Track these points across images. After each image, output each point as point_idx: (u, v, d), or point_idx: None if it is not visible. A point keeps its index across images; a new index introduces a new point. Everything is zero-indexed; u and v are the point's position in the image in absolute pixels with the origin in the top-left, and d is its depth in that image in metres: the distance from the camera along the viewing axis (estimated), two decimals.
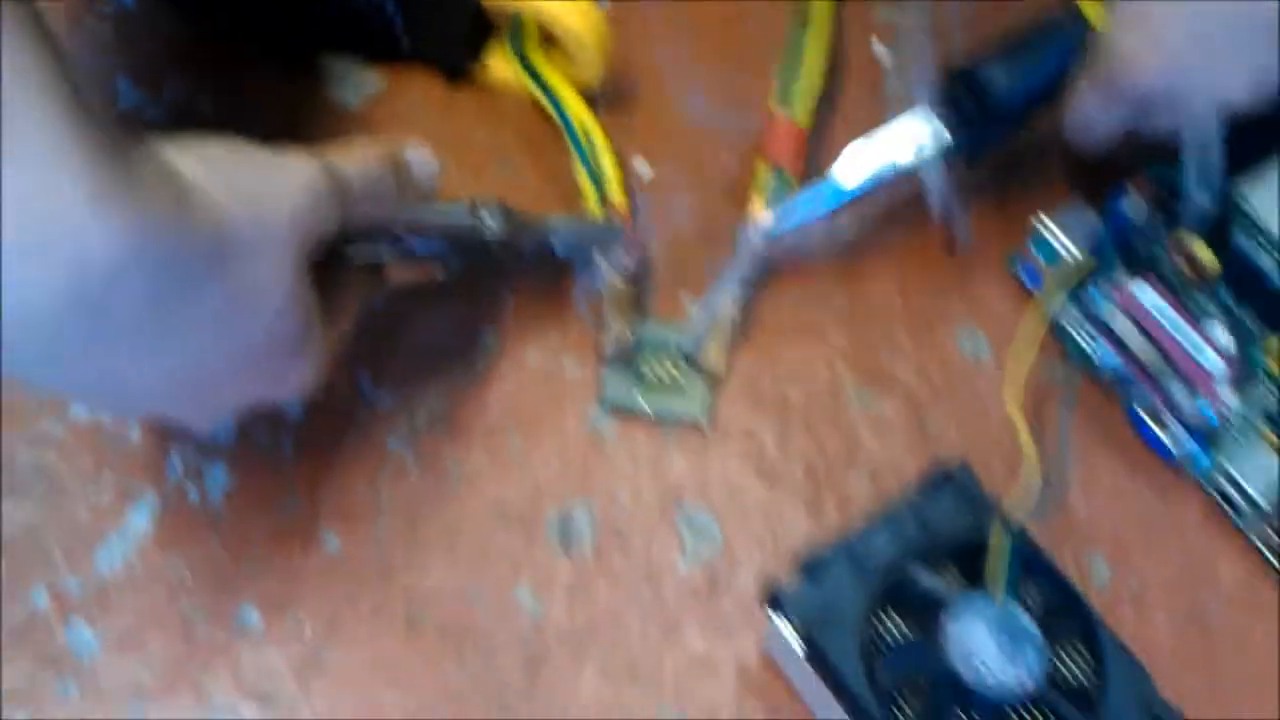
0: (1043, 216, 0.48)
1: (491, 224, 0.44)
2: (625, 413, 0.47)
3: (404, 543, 0.45)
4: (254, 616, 0.44)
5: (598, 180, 0.49)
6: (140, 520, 0.45)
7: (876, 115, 0.50)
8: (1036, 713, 0.39)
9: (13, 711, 0.42)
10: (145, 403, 0.38)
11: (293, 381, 0.40)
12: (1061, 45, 0.46)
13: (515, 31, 0.51)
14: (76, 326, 0.32)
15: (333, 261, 0.40)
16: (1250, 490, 0.45)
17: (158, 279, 0.33)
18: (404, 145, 0.42)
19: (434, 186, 0.43)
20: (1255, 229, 0.48)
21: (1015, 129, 0.48)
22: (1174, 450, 0.46)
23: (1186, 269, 0.49)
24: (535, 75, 0.51)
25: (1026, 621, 0.39)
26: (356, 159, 0.40)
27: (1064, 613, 0.41)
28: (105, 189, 0.31)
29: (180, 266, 0.33)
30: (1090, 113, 0.46)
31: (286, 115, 0.52)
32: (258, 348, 0.37)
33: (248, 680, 0.43)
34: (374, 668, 0.44)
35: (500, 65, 0.52)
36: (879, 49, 0.55)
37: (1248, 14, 0.42)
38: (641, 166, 0.52)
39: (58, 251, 0.31)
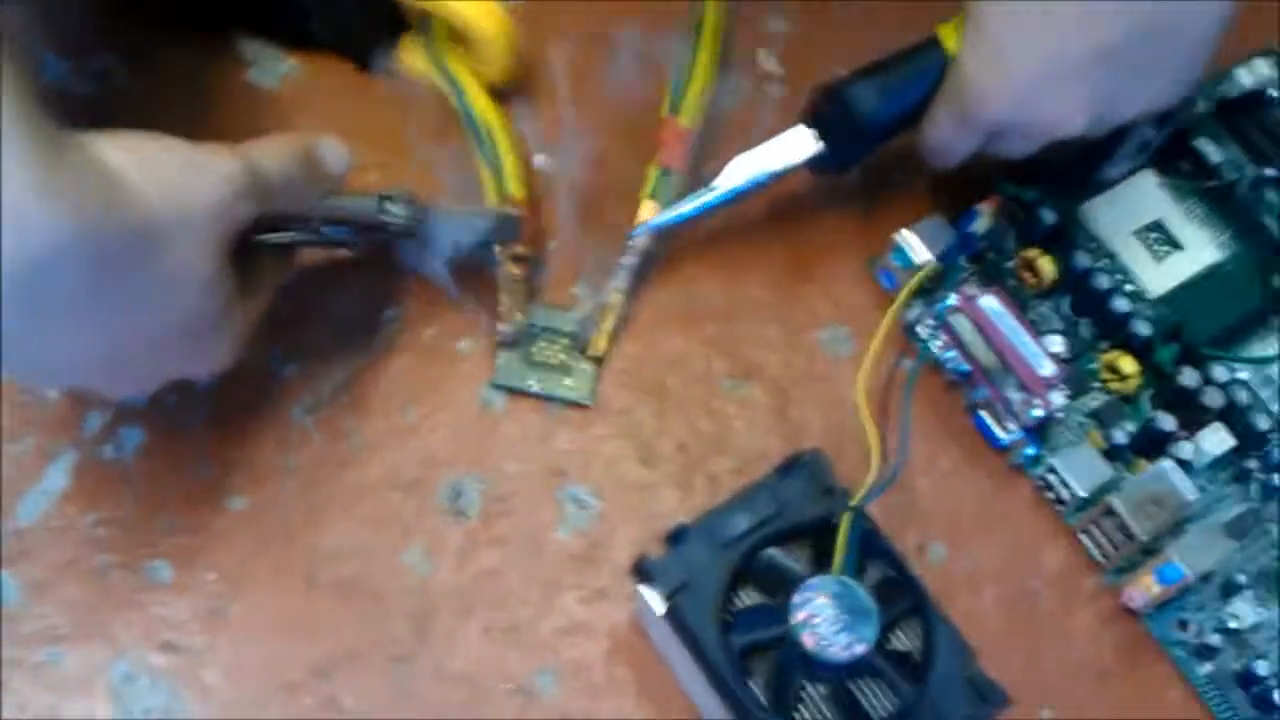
0: (903, 231, 0.52)
1: (397, 215, 0.48)
2: (515, 391, 0.51)
3: (305, 505, 0.49)
4: (164, 570, 0.48)
5: (497, 173, 0.53)
6: (58, 476, 0.48)
7: (758, 115, 0.55)
8: (870, 678, 0.44)
9: None
10: (72, 376, 0.42)
11: (212, 358, 0.43)
12: (925, 70, 0.50)
13: (426, 27, 0.54)
14: (14, 308, 0.35)
15: (248, 245, 0.44)
16: (1072, 484, 0.51)
17: (90, 265, 0.36)
18: (318, 139, 0.46)
19: (345, 178, 0.47)
20: (1096, 249, 0.53)
21: (881, 143, 0.52)
22: (1006, 443, 0.51)
23: (1031, 281, 0.54)
24: (443, 70, 0.54)
25: (863, 596, 0.44)
26: (274, 153, 0.43)
27: (898, 589, 0.46)
28: (46, 179, 0.34)
29: (110, 253, 0.36)
30: (944, 136, 0.50)
31: (205, 94, 0.55)
32: (180, 328, 0.41)
33: (157, 630, 0.47)
34: (276, 621, 0.47)
35: (411, 56, 0.55)
36: (763, 56, 0.59)
37: (1090, 55, 0.46)
38: (542, 160, 0.55)
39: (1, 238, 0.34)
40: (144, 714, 0.46)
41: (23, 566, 0.47)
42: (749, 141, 0.52)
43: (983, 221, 0.53)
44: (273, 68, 0.56)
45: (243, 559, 0.48)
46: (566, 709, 0.47)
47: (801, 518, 0.46)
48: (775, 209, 0.55)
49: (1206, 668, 0.49)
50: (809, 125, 0.51)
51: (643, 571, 0.45)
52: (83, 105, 0.55)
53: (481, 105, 0.53)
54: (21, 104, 0.34)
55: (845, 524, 0.45)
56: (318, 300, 0.52)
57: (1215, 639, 0.49)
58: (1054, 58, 0.46)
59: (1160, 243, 0.55)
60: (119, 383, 0.43)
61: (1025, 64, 0.47)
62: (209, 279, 0.40)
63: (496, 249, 0.52)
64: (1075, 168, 0.54)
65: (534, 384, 0.51)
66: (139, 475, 0.49)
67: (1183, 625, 0.50)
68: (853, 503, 0.45)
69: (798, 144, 0.51)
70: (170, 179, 0.39)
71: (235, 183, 0.40)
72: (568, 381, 0.52)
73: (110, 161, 0.37)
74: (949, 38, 0.50)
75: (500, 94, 0.55)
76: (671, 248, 0.54)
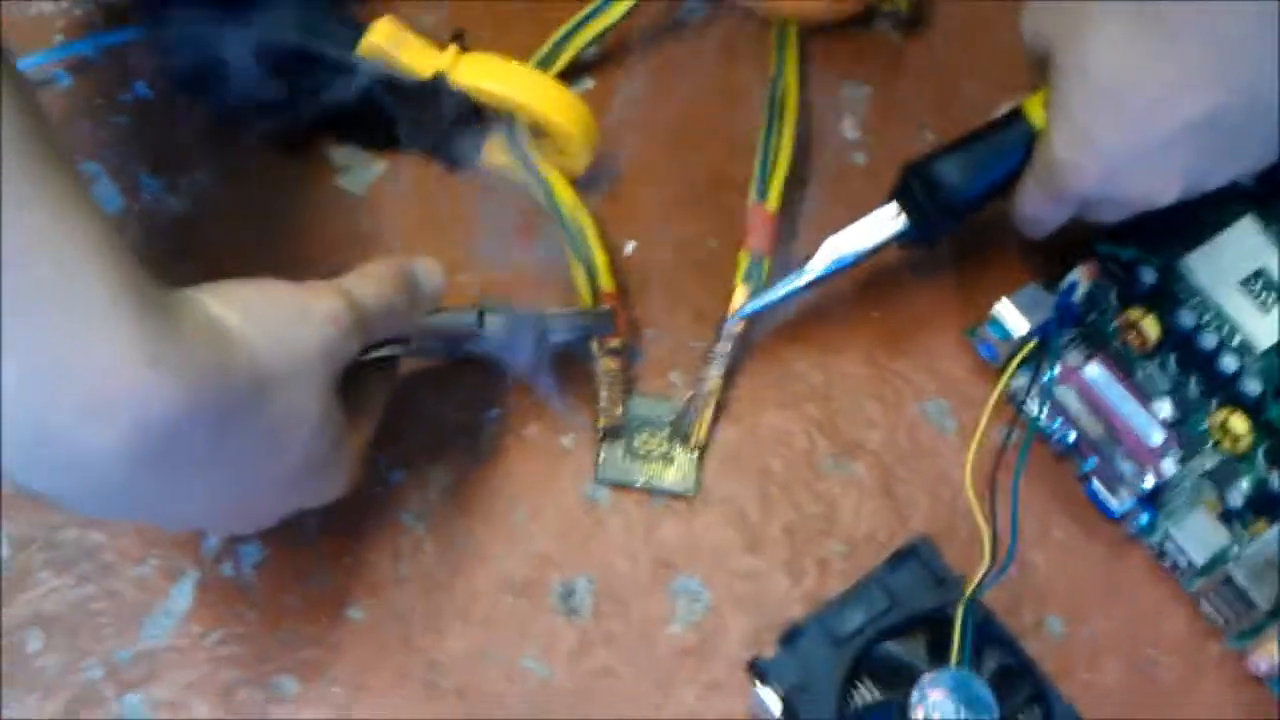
0: (1001, 301, 0.51)
1: (496, 326, 0.48)
2: (619, 485, 0.52)
3: (421, 612, 0.50)
4: (290, 684, 0.49)
5: (589, 268, 0.53)
6: (182, 596, 0.50)
7: (843, 187, 0.55)
8: None
9: None
10: (193, 522, 0.43)
11: (328, 490, 0.44)
12: (1012, 144, 0.50)
13: (510, 125, 0.54)
14: (136, 476, 0.36)
15: (351, 371, 0.44)
16: (1189, 551, 0.50)
17: (206, 426, 0.37)
18: (414, 263, 0.46)
19: (441, 297, 0.47)
20: (1200, 305, 0.53)
21: (969, 217, 0.52)
22: (1119, 513, 0.51)
23: (1135, 342, 0.53)
24: (529, 167, 0.54)
25: (982, 689, 0.43)
26: (373, 284, 0.44)
27: (1017, 677, 0.45)
28: (160, 354, 0.35)
29: (225, 411, 0.37)
30: (1035, 210, 0.50)
31: (296, 202, 0.56)
32: (296, 467, 0.41)
33: None
34: None
35: (497, 154, 0.56)
36: (846, 125, 0.58)
37: (1179, 129, 0.46)
38: (629, 246, 0.56)
39: (120, 415, 0.34)
40: None
41: (150, 688, 0.48)
42: (835, 210, 0.53)
43: (1081, 289, 0.52)
44: (361, 173, 0.57)
45: (364, 669, 0.49)
46: None
47: (915, 610, 0.46)
48: (867, 282, 0.55)
49: None
50: (898, 201, 0.51)
51: (758, 671, 0.45)
52: (177, 221, 0.56)
53: (569, 201, 0.54)
54: (127, 277, 0.35)
55: (960, 616, 0.45)
56: (419, 405, 0.52)
57: None
58: (1142, 134, 0.46)
59: (1265, 291, 0.53)
60: (238, 522, 0.44)
61: (1113, 141, 0.46)
62: (321, 417, 0.41)
63: (593, 345, 0.52)
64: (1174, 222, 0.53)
65: (638, 478, 0.52)
66: (259, 591, 0.50)
67: None
68: (966, 594, 0.45)
69: (887, 222, 0.51)
70: (277, 328, 0.39)
71: (340, 323, 0.41)
72: (670, 472, 0.52)
73: (217, 318, 0.38)
74: (1034, 111, 0.49)
75: (578, 181, 0.56)
76: (764, 328, 0.54)
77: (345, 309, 0.41)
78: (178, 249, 0.55)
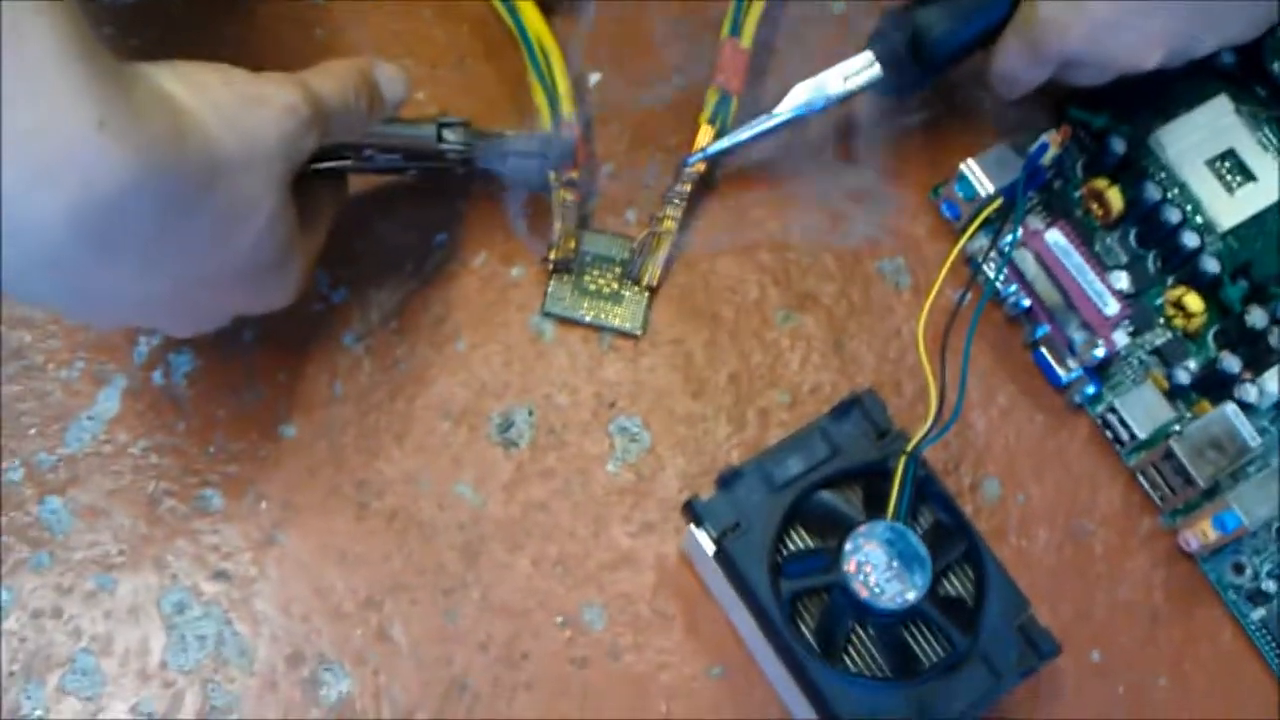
0: (968, 161, 0.50)
1: (453, 143, 0.47)
2: (566, 320, 0.51)
3: (356, 433, 0.49)
4: (215, 498, 0.48)
5: (551, 94, 0.51)
6: (109, 402, 0.48)
7: (817, 30, 0.54)
8: (921, 623, 0.44)
9: None
10: (134, 316, 0.41)
11: (275, 294, 0.43)
12: None
13: None
14: (80, 249, 0.34)
15: (304, 176, 0.43)
16: (1132, 425, 0.50)
17: (155, 202, 0.35)
18: (376, 65, 0.45)
19: (402, 105, 0.46)
20: (1166, 180, 0.52)
21: (946, 71, 0.50)
22: (1065, 381, 0.50)
23: (1098, 212, 0.52)
24: None
25: (916, 543, 0.43)
26: (334, 82, 0.42)
27: (952, 534, 0.45)
28: (109, 118, 0.33)
29: (176, 189, 0.36)
30: (1013, 66, 0.48)
31: (256, 8, 0.54)
32: (245, 263, 0.40)
33: (207, 557, 0.47)
34: (324, 549, 0.47)
35: None
36: None
37: None
38: (593, 78, 0.54)
39: (65, 180, 0.33)
40: (196, 641, 0.46)
41: (73, 493, 0.47)
42: (807, 53, 0.51)
43: (1050, 152, 0.51)
44: None
45: (294, 487, 0.48)
46: (614, 641, 0.47)
47: (855, 461, 0.45)
48: (834, 134, 0.53)
49: (1259, 613, 0.49)
50: (874, 49, 0.49)
51: (693, 512, 0.45)
52: (132, 24, 0.53)
53: (535, 24, 0.52)
54: (77, 38, 0.33)
55: (900, 470, 0.44)
56: (366, 226, 0.51)
57: (1270, 585, 0.49)
58: None
59: (1233, 173, 0.53)
60: (182, 321, 0.42)
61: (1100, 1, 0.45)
62: (273, 213, 0.39)
63: (550, 174, 0.50)
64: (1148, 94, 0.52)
65: (585, 313, 0.51)
66: (189, 402, 0.49)
67: (1238, 569, 0.49)
68: (908, 448, 0.45)
69: (862, 69, 0.50)
70: (234, 113, 0.37)
71: (299, 114, 0.39)
72: (619, 310, 0.51)
73: (171, 93, 0.36)
74: None
75: (547, 6, 0.53)
76: (726, 171, 0.53)
77: (304, 101, 0.40)
78: (124, 45, 0.52)
